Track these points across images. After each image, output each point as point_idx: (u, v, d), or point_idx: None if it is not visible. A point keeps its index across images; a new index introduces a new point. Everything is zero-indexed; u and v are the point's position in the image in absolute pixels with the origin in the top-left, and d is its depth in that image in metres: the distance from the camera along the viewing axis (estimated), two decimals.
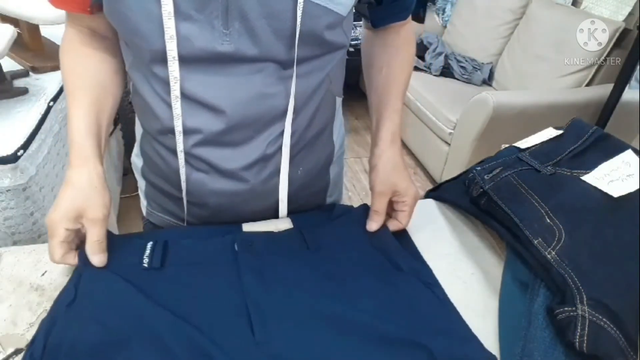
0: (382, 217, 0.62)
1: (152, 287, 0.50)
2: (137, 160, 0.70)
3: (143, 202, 0.75)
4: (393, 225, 0.63)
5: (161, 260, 0.53)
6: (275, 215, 0.66)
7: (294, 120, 0.58)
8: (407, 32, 0.69)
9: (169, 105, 0.55)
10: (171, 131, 0.57)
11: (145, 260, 0.53)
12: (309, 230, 0.59)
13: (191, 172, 0.60)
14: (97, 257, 0.52)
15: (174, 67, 0.50)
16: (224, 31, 0.49)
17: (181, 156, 0.58)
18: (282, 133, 0.58)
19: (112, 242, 0.54)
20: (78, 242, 0.54)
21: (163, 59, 0.50)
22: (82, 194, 0.52)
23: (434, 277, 0.56)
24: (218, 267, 0.53)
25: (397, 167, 0.63)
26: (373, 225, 0.61)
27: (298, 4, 0.48)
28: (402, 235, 0.63)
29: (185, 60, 0.51)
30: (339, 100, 0.69)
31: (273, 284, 0.51)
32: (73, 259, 0.53)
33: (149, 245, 0.54)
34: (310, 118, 0.61)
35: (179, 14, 0.47)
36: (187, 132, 0.56)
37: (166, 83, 0.53)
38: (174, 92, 0.52)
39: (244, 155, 0.58)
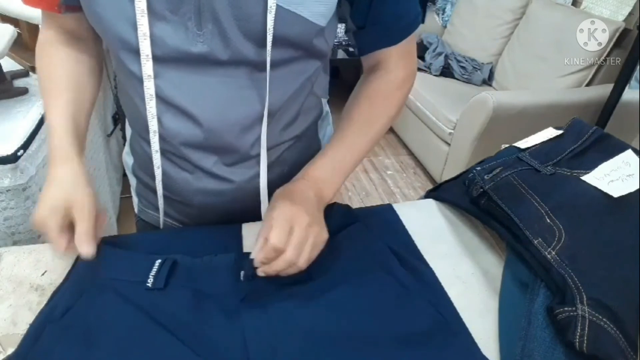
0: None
1: (151, 310, 0.49)
2: (127, 159, 0.71)
3: (134, 200, 0.76)
4: None
5: (165, 280, 0.52)
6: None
7: (275, 122, 0.58)
8: (400, 77, 0.62)
9: None
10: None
11: (150, 279, 0.52)
12: None
13: (178, 171, 0.61)
14: (86, 247, 0.51)
15: (147, 65, 0.51)
16: (197, 32, 0.49)
17: (156, 156, 0.58)
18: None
19: (120, 257, 0.54)
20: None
21: (138, 59, 0.50)
22: (67, 191, 0.52)
23: (436, 280, 0.56)
24: (219, 293, 0.52)
25: (305, 199, 0.54)
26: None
27: (269, 9, 0.47)
28: (403, 236, 0.63)
29: (160, 61, 0.51)
30: (324, 101, 0.68)
31: (274, 319, 0.49)
32: (74, 248, 0.52)
33: (157, 263, 0.53)
34: (291, 120, 0.61)
35: (153, 14, 0.48)
36: (167, 135, 0.56)
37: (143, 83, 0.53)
38: (148, 90, 0.52)
39: (226, 157, 0.58)
